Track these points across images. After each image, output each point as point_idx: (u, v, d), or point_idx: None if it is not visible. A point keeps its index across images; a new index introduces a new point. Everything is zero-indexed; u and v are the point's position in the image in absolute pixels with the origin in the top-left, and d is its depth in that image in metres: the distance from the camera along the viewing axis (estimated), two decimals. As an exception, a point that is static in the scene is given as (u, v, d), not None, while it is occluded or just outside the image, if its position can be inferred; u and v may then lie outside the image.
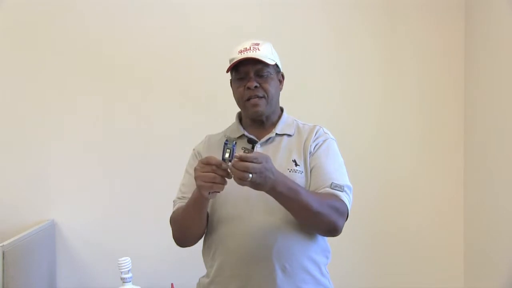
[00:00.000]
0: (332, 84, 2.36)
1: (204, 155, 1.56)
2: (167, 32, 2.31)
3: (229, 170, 1.24)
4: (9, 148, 2.26)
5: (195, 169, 1.30)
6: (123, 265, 1.63)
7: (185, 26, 2.32)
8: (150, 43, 2.30)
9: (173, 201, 1.58)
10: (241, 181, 1.23)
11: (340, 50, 2.37)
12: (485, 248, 2.20)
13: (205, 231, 1.52)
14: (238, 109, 1.60)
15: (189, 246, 1.53)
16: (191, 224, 1.47)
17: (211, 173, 1.25)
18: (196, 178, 1.29)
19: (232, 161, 1.23)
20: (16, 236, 1.87)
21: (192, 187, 1.50)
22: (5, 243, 1.72)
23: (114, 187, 2.29)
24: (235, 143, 1.26)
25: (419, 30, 2.37)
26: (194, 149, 1.64)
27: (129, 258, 1.65)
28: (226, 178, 1.26)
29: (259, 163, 1.23)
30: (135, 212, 2.28)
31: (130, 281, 1.64)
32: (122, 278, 1.64)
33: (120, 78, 2.30)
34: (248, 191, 1.31)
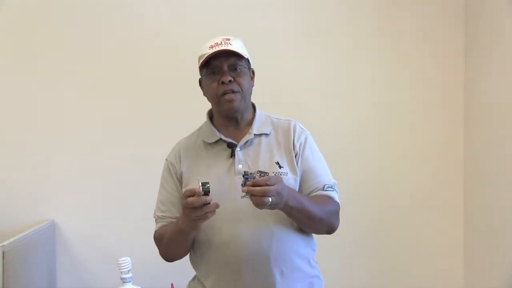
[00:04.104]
0: (331, 84, 2.36)
1: (179, 165, 1.54)
2: (167, 33, 2.30)
3: (243, 194, 1.25)
4: (9, 148, 2.26)
5: (182, 206, 1.30)
6: (123, 265, 1.63)
7: (184, 27, 2.31)
8: (151, 44, 2.29)
9: (154, 218, 1.57)
10: (261, 206, 1.24)
11: (338, 50, 2.36)
12: (485, 248, 2.20)
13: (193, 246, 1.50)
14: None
15: (177, 260, 1.53)
16: (179, 248, 1.48)
17: (201, 211, 1.26)
18: (188, 215, 1.29)
19: (246, 187, 1.24)
20: (16, 236, 1.87)
21: (170, 205, 1.52)
22: (5, 243, 1.73)
23: (114, 187, 2.29)
24: (255, 176, 1.27)
25: (419, 30, 2.37)
26: (166, 159, 1.59)
27: (129, 258, 1.65)
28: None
29: (273, 184, 1.24)
30: (135, 212, 2.28)
31: (130, 281, 1.64)
32: (122, 278, 1.64)
33: (120, 79, 2.30)
34: (234, 199, 1.34)
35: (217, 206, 1.27)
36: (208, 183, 1.26)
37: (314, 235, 1.54)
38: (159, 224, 1.53)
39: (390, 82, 2.37)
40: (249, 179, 1.25)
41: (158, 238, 1.51)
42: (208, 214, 1.27)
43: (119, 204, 2.29)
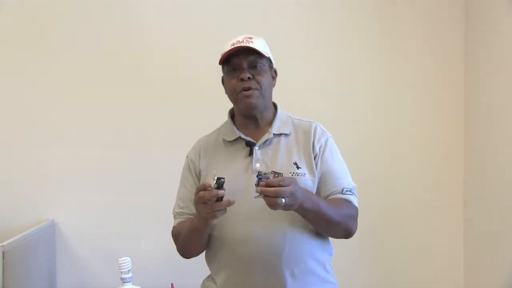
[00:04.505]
0: (331, 84, 2.36)
1: (198, 162, 1.54)
2: (168, 33, 2.31)
3: (257, 195, 1.25)
4: (9, 148, 2.26)
5: (194, 201, 1.31)
6: (123, 265, 1.64)
7: (186, 26, 2.31)
8: (151, 43, 2.30)
9: (173, 214, 1.57)
10: (274, 207, 1.24)
11: (339, 50, 2.36)
12: (485, 248, 2.20)
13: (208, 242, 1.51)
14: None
15: (194, 257, 1.54)
16: (194, 245, 1.49)
17: (211, 207, 1.26)
18: (198, 211, 1.31)
19: (259, 188, 1.23)
20: (16, 236, 1.87)
21: (189, 202, 1.51)
22: (5, 243, 1.72)
23: (114, 187, 2.29)
24: (269, 177, 1.26)
25: (419, 30, 2.37)
26: (187, 156, 1.60)
27: (129, 258, 1.65)
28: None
29: (287, 185, 1.24)
30: (135, 213, 2.27)
31: (130, 281, 1.65)
32: (122, 278, 1.64)
33: (120, 79, 2.29)
34: (250, 198, 1.32)
35: (228, 204, 1.27)
36: (223, 178, 1.25)
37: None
38: (177, 221, 1.54)
39: (390, 82, 2.37)
40: (262, 180, 1.25)
41: (176, 235, 1.52)
42: (217, 212, 1.27)
43: (119, 204, 2.28)
